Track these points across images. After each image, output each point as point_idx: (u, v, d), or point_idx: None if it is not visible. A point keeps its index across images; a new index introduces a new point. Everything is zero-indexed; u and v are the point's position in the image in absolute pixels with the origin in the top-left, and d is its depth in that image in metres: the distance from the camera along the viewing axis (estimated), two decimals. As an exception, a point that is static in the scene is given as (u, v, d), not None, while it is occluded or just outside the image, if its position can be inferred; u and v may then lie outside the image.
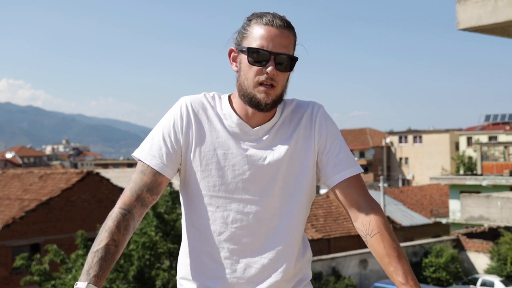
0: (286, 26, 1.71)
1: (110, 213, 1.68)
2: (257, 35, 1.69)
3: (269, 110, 1.72)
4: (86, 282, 1.52)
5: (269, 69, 1.67)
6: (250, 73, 1.70)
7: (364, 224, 1.73)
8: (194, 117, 1.77)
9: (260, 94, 1.69)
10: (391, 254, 1.67)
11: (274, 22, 1.69)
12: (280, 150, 1.77)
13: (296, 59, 1.73)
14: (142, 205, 1.71)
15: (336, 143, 1.81)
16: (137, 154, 1.77)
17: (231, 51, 1.78)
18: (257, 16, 1.72)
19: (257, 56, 1.68)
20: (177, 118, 1.77)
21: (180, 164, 1.79)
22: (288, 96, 1.84)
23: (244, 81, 1.72)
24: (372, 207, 1.75)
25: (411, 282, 1.63)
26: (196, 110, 1.78)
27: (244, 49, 1.71)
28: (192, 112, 1.77)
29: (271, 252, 1.75)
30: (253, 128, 1.77)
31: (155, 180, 1.73)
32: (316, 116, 1.82)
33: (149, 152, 1.75)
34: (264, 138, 1.77)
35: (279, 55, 1.68)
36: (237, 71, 1.76)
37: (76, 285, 1.53)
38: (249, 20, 1.74)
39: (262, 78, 1.69)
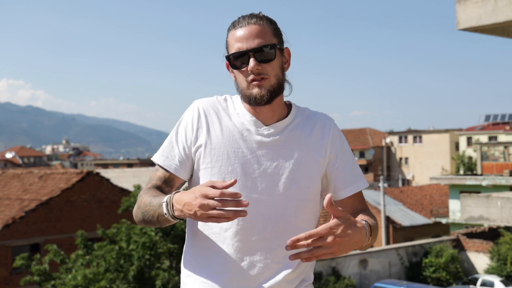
0: (256, 22, 1.76)
1: (138, 198, 1.79)
2: (232, 41, 1.77)
3: (268, 101, 1.76)
4: (168, 196, 1.64)
5: (250, 66, 1.73)
6: (240, 77, 1.78)
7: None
8: (205, 118, 1.83)
9: (254, 90, 1.75)
10: (364, 217, 1.78)
11: (243, 22, 1.76)
12: (291, 153, 1.80)
13: (274, 45, 1.76)
14: (161, 191, 1.81)
15: (346, 158, 1.88)
16: (153, 157, 1.88)
17: (227, 65, 1.85)
18: (231, 24, 1.80)
19: (237, 60, 1.76)
20: (189, 121, 1.85)
21: (193, 165, 1.85)
22: (297, 102, 1.91)
23: (239, 85, 1.79)
24: (369, 213, 1.85)
25: (363, 222, 1.67)
26: (207, 112, 1.84)
27: (227, 58, 1.80)
28: (204, 114, 1.84)
29: (276, 251, 1.77)
30: (267, 126, 1.81)
31: (168, 175, 1.83)
32: (330, 128, 1.87)
33: (162, 154, 1.86)
34: (276, 137, 1.81)
35: (256, 50, 1.73)
36: (234, 80, 1.83)
37: (163, 201, 1.63)
38: (227, 31, 1.82)
39: (251, 77, 1.75)
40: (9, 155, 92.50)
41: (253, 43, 1.73)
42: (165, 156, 1.83)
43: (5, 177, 25.92)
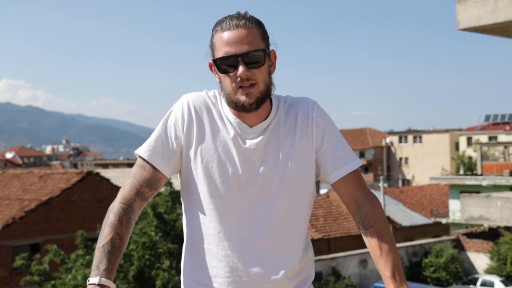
0: (244, 24, 1.71)
1: (110, 207, 1.72)
2: (220, 44, 1.71)
3: (256, 108, 1.73)
4: (98, 277, 1.58)
5: (240, 71, 1.68)
6: (227, 81, 1.73)
7: (361, 217, 1.78)
8: (196, 115, 1.78)
9: (241, 97, 1.71)
10: (382, 247, 1.72)
11: (231, 24, 1.70)
12: (277, 150, 1.78)
13: (264, 50, 1.72)
14: (142, 199, 1.75)
15: (333, 140, 1.83)
16: (138, 150, 1.80)
17: (210, 65, 1.80)
18: (217, 24, 1.75)
19: (225, 64, 1.71)
20: (178, 116, 1.79)
21: (181, 162, 1.80)
22: (284, 93, 1.85)
23: (225, 89, 1.74)
24: (369, 200, 1.80)
25: (397, 277, 1.67)
26: (198, 108, 1.79)
27: (214, 61, 1.74)
28: (194, 110, 1.79)
29: (273, 250, 1.76)
30: (251, 127, 1.78)
31: (154, 176, 1.76)
32: (312, 113, 1.83)
33: (150, 149, 1.78)
34: (262, 137, 1.78)
35: (246, 55, 1.68)
36: (219, 82, 1.78)
37: (88, 281, 1.57)
38: (213, 30, 1.76)
39: (239, 82, 1.70)
40: (9, 155, 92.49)
41: (242, 48, 1.68)
42: (153, 152, 1.76)
43: (5, 177, 25.92)
